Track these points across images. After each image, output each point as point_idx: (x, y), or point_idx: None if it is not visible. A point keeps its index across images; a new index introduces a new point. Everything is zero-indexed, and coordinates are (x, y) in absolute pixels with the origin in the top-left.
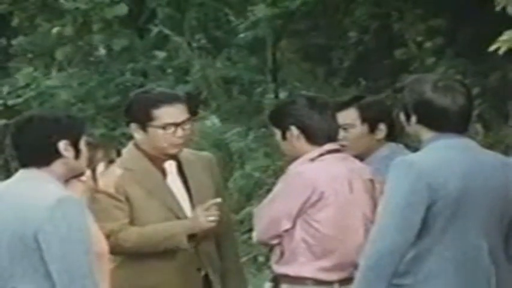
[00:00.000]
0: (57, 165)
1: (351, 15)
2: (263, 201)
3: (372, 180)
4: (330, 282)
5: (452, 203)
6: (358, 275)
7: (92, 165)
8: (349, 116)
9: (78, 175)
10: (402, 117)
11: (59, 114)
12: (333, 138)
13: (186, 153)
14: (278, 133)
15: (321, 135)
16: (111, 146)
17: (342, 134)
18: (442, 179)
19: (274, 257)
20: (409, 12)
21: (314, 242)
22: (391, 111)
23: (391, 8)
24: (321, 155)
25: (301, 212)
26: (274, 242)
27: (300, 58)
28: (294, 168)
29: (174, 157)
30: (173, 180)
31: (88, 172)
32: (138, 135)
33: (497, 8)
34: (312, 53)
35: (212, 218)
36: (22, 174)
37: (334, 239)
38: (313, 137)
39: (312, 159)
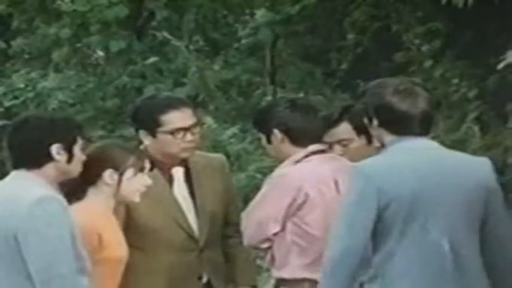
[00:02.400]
0: (48, 168)
1: (350, 16)
2: (249, 205)
3: None
4: None
5: (406, 204)
6: (319, 281)
7: (120, 169)
8: (345, 131)
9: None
10: (365, 120)
11: (55, 117)
12: (317, 138)
13: (197, 157)
14: (263, 137)
15: (305, 136)
16: (144, 155)
17: (341, 149)
18: (394, 181)
19: (267, 261)
20: (408, 14)
21: (305, 244)
22: None
23: (390, 10)
24: (306, 156)
25: (289, 215)
26: (264, 245)
27: (298, 60)
28: (278, 171)
29: (183, 162)
30: (179, 188)
31: (115, 176)
32: (147, 141)
33: None
34: (310, 54)
35: None
36: (13, 175)
37: (324, 240)
38: (297, 139)
39: (297, 161)
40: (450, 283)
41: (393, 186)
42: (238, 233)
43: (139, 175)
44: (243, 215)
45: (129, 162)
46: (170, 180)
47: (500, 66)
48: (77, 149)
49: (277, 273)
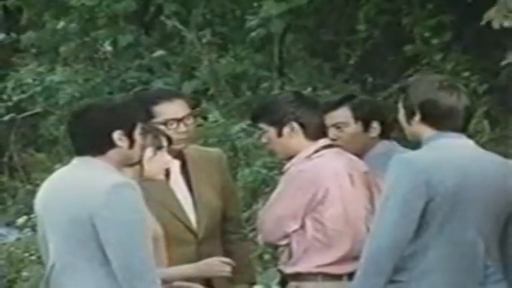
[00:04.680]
0: (112, 154)
1: (360, 10)
2: (267, 203)
3: (366, 173)
4: (339, 276)
5: (450, 199)
6: (358, 271)
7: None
8: (342, 115)
9: (132, 163)
10: (402, 116)
11: (115, 104)
12: (326, 133)
13: (193, 151)
14: (272, 130)
15: (318, 130)
16: (160, 133)
17: (335, 133)
18: (440, 175)
19: (283, 258)
20: (418, 7)
21: (326, 240)
22: (383, 110)
23: (400, 3)
24: (317, 151)
25: (309, 210)
26: (283, 242)
27: (307, 54)
28: (293, 167)
29: (179, 155)
30: (176, 180)
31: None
32: None
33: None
34: (319, 49)
35: (224, 270)
36: (78, 162)
37: (342, 234)
38: (311, 133)
39: (308, 157)
40: (478, 282)
41: (440, 180)
42: (239, 228)
43: (159, 153)
44: (260, 211)
45: (147, 142)
46: (166, 173)
47: (504, 63)
48: (137, 135)
49: (291, 269)
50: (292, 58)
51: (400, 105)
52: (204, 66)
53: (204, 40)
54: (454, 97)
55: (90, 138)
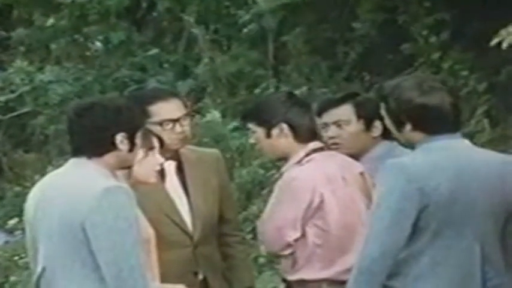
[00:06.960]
0: (109, 157)
1: (358, 8)
2: (264, 212)
3: (362, 173)
4: (344, 282)
5: (444, 206)
6: (350, 279)
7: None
8: (344, 112)
9: (126, 167)
10: (390, 125)
11: (121, 105)
12: (317, 136)
13: (189, 151)
14: (260, 131)
15: (308, 133)
16: (151, 134)
17: (335, 131)
18: (434, 182)
19: (286, 266)
20: (415, 5)
21: (326, 245)
22: None
23: (397, 1)
24: (307, 155)
25: (307, 218)
26: (286, 252)
27: (304, 52)
28: (287, 173)
29: (175, 155)
30: (171, 182)
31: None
32: None
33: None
34: (317, 47)
35: None
36: (72, 163)
37: (342, 239)
38: (301, 135)
39: (299, 161)
40: None
41: (433, 187)
42: (236, 231)
43: (150, 154)
44: (259, 222)
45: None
46: (162, 174)
47: (493, 42)
48: (138, 138)
49: (295, 276)
50: (289, 56)
51: (384, 114)
52: (204, 64)
53: (207, 37)
54: (438, 98)
55: (90, 138)
